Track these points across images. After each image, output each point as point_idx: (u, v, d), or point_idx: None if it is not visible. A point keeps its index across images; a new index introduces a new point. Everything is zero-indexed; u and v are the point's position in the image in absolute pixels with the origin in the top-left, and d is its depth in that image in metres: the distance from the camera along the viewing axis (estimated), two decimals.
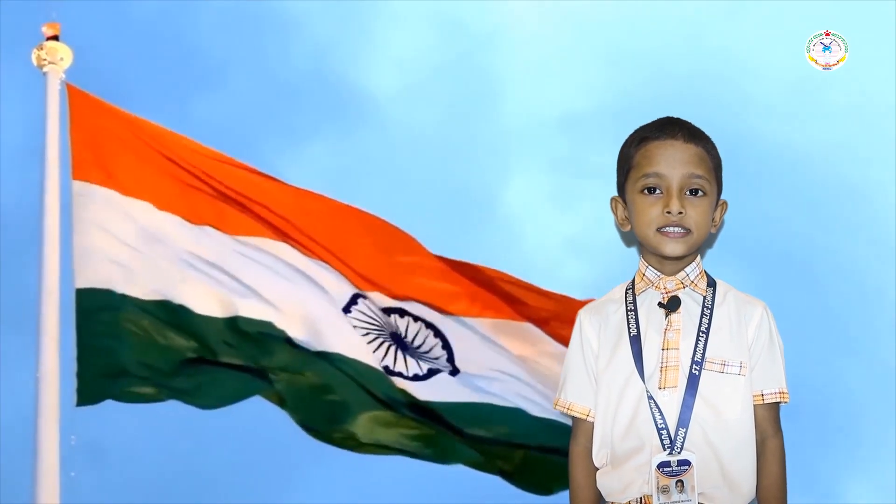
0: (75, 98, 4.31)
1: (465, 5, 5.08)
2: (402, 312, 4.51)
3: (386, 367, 4.36)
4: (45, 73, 4.32)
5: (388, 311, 4.48)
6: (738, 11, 5.14)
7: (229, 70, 5.18)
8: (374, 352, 4.37)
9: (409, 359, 4.43)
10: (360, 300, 4.45)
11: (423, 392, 4.36)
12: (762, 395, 2.42)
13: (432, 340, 4.50)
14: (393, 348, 4.43)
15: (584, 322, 2.51)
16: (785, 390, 2.44)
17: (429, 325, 4.51)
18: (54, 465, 3.82)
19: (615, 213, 2.53)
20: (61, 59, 4.33)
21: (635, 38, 5.07)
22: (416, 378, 4.40)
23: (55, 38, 4.37)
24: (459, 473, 4.38)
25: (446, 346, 4.50)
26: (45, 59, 4.33)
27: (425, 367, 4.44)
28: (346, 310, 4.41)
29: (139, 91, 4.58)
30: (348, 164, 4.87)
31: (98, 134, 4.30)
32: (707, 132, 2.52)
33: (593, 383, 2.47)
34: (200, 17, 5.15)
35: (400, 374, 4.38)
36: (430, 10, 5.13)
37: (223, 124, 4.49)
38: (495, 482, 4.43)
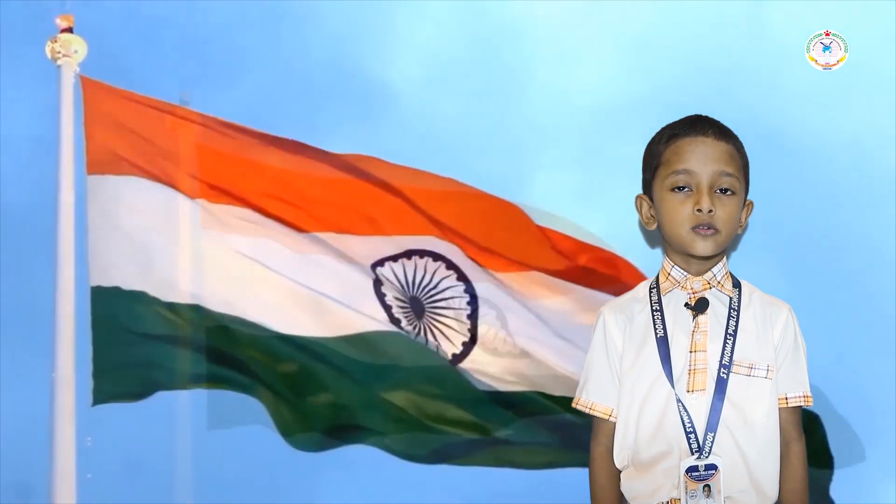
0: (89, 90, 4.27)
1: None
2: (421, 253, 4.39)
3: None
4: (59, 66, 4.31)
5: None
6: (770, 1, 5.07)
7: (246, 62, 5.12)
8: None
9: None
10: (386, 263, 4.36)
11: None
12: (786, 398, 2.41)
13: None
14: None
15: (609, 320, 2.47)
16: (809, 394, 2.44)
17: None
18: (71, 466, 3.78)
19: (640, 212, 2.50)
20: (75, 51, 4.34)
21: (666, 26, 4.97)
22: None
23: (69, 30, 4.35)
24: (467, 480, 4.29)
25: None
26: (59, 52, 4.32)
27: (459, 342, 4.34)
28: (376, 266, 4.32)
29: (154, 84, 4.53)
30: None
31: (114, 123, 4.24)
32: (740, 123, 2.51)
33: (616, 383, 2.44)
34: (217, 7, 5.08)
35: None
36: None
37: (240, 117, 4.44)
38: (504, 488, 4.33)
